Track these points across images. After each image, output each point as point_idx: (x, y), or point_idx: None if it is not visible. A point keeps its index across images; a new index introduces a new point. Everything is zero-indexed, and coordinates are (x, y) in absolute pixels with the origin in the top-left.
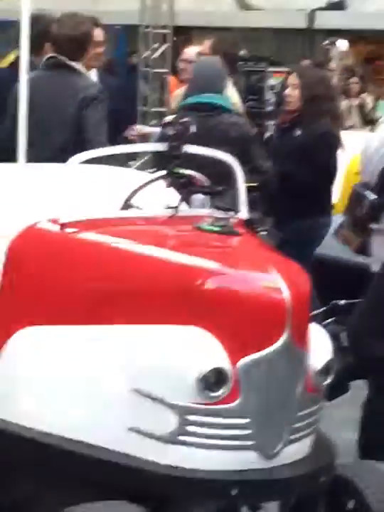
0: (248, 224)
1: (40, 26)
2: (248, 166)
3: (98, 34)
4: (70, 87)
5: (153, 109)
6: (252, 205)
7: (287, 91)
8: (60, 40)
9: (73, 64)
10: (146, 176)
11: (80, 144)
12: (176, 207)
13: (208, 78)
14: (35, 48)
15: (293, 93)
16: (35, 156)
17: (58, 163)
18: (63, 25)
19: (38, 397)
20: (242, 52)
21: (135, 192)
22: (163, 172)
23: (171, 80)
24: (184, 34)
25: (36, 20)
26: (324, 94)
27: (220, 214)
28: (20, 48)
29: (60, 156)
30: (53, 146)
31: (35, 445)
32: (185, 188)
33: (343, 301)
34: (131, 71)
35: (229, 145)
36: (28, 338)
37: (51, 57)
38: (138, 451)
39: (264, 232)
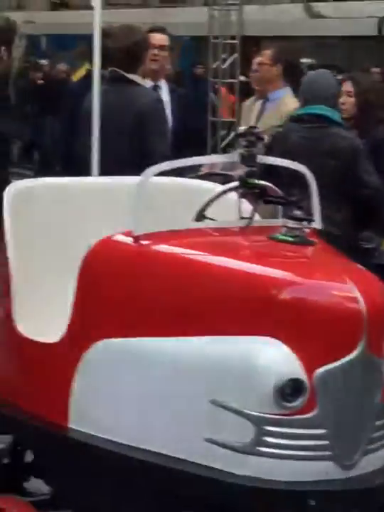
0: (360, 242)
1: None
2: (355, 180)
3: (161, 38)
4: (127, 100)
5: (223, 119)
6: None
7: (341, 99)
8: (114, 53)
9: (129, 76)
10: (219, 186)
11: (140, 156)
12: (250, 217)
13: (318, 90)
14: (105, 62)
15: (347, 100)
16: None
17: (130, 176)
18: (116, 37)
19: (116, 409)
20: (309, 61)
21: (208, 203)
22: (236, 183)
23: (222, 90)
24: (253, 44)
25: (105, 35)
26: (377, 101)
27: (294, 224)
28: (92, 62)
29: (120, 168)
30: (114, 158)
31: (113, 457)
32: (259, 198)
33: None
34: (196, 82)
35: (336, 158)
36: (105, 351)
37: (111, 70)
38: (216, 462)
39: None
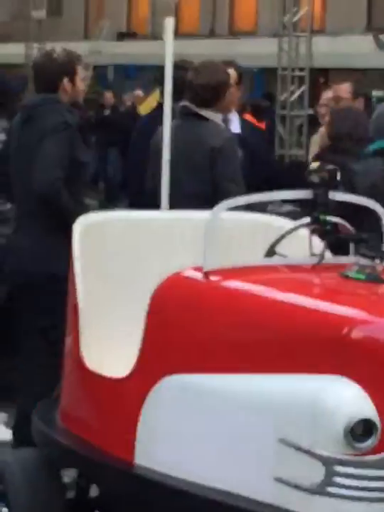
0: None
1: (181, 74)
2: None
3: (232, 74)
4: (199, 136)
5: (291, 152)
6: None
7: None
8: (195, 88)
9: (203, 112)
10: (291, 223)
11: (211, 192)
12: (321, 254)
13: None
14: (176, 96)
15: None
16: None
17: (200, 211)
18: (200, 73)
19: (182, 446)
20: (380, 93)
21: (280, 239)
22: (308, 219)
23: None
24: (321, 76)
25: (177, 68)
26: None
27: (365, 261)
28: (164, 94)
29: (191, 205)
30: (183, 194)
31: (179, 495)
32: (330, 235)
33: None
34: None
35: None
36: (173, 387)
37: (183, 106)
38: (284, 501)
39: None
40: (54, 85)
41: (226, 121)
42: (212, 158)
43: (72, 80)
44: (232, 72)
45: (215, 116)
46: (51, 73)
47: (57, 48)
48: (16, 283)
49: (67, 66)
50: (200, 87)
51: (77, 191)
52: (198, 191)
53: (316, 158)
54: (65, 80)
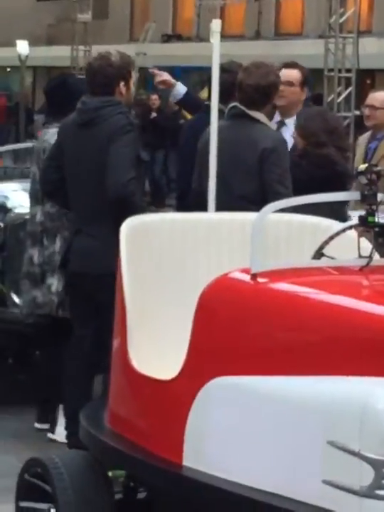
0: None
1: (229, 76)
2: None
3: (289, 74)
4: (250, 138)
5: None
6: None
7: None
8: (245, 90)
9: (254, 114)
10: (339, 224)
11: (260, 194)
12: (370, 256)
13: None
14: (224, 97)
15: None
16: (217, 204)
17: (247, 212)
18: (250, 74)
19: (231, 448)
20: None
21: (328, 241)
22: (356, 220)
23: None
24: (368, 77)
25: (224, 70)
26: None
27: None
28: (211, 95)
29: (239, 206)
30: (233, 196)
31: (227, 496)
32: (379, 237)
33: None
34: None
35: None
36: (221, 389)
37: (233, 106)
38: (333, 504)
39: None
40: (111, 88)
41: (281, 124)
42: (263, 159)
43: (127, 84)
44: (296, 73)
45: (266, 120)
46: (108, 76)
47: (113, 51)
48: (78, 284)
49: (124, 70)
50: (250, 88)
51: (139, 191)
52: (248, 193)
53: (299, 157)
54: (122, 84)
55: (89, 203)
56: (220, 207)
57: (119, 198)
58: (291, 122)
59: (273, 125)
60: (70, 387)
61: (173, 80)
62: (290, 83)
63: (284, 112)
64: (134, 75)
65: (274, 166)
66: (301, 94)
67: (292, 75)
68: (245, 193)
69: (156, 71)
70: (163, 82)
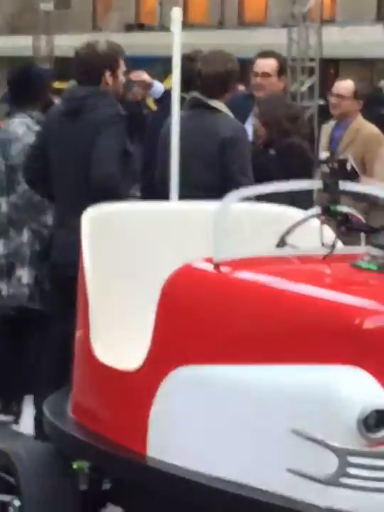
0: None
1: (191, 65)
2: None
3: (264, 64)
4: (209, 127)
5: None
6: None
7: None
8: (204, 78)
9: (213, 103)
10: (302, 213)
11: (221, 183)
12: (333, 245)
13: None
14: (186, 86)
15: None
16: (179, 194)
17: (210, 202)
18: (208, 63)
19: (195, 438)
20: None
21: (290, 230)
22: (319, 210)
23: None
24: (332, 66)
25: (188, 59)
26: None
27: (377, 252)
28: (172, 86)
29: (199, 196)
30: (193, 185)
31: (192, 486)
32: (342, 225)
33: None
34: None
35: None
36: (184, 379)
37: (193, 96)
38: (297, 493)
39: None
40: (96, 77)
41: None
42: (223, 149)
43: (114, 73)
44: (272, 62)
45: (223, 106)
46: (93, 65)
47: (101, 39)
48: (61, 277)
49: (110, 58)
50: (209, 77)
51: (127, 183)
52: (209, 182)
53: (265, 146)
54: (107, 73)
55: (74, 193)
56: (183, 197)
57: (104, 190)
58: None
59: (252, 117)
60: (45, 379)
61: (150, 80)
62: (267, 74)
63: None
64: (123, 64)
65: (234, 156)
66: (279, 84)
67: (268, 64)
68: (205, 182)
69: (134, 75)
70: (142, 82)
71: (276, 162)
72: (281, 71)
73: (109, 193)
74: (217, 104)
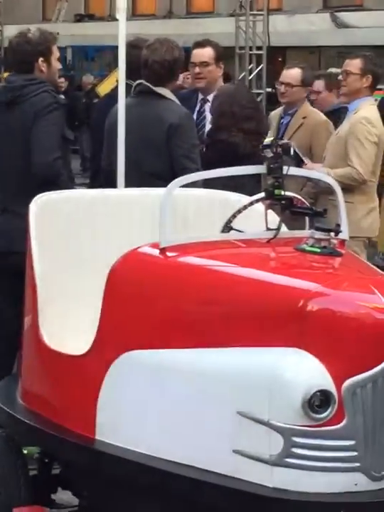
0: None
1: (138, 52)
2: None
3: (202, 54)
4: (156, 114)
5: None
6: None
7: None
8: (151, 66)
9: (159, 90)
10: (247, 198)
11: (169, 170)
12: (277, 229)
13: None
14: (135, 74)
15: None
16: (127, 182)
17: (155, 188)
18: (155, 50)
19: (143, 421)
20: (339, 71)
21: (235, 215)
22: (262, 194)
23: None
24: (279, 54)
25: (134, 46)
26: None
27: (320, 235)
28: (118, 74)
29: (150, 183)
30: (143, 174)
31: (140, 469)
32: (286, 209)
33: None
34: None
35: None
36: (131, 363)
37: (138, 83)
38: (244, 473)
39: None
40: (29, 65)
41: (204, 101)
42: (170, 135)
43: (47, 60)
44: (209, 51)
45: (169, 93)
46: (26, 53)
47: (33, 27)
48: (6, 263)
49: (42, 46)
50: (156, 64)
51: (66, 170)
52: (157, 170)
53: (208, 137)
54: (40, 60)
55: (16, 181)
56: (132, 185)
57: (44, 178)
58: (211, 98)
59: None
60: None
61: None
62: (205, 63)
63: (204, 91)
64: (56, 51)
65: (180, 141)
66: (217, 72)
67: (205, 54)
68: (155, 170)
69: None
70: None
71: (212, 156)
72: (219, 59)
73: (51, 179)
74: (164, 91)
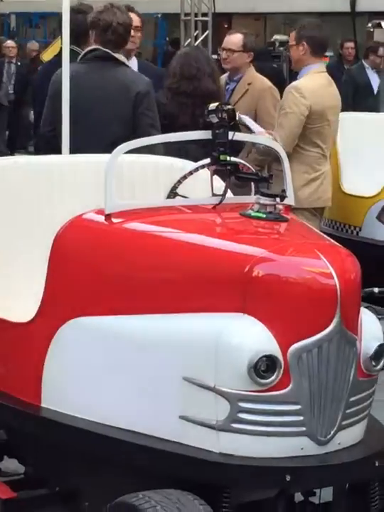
0: None
1: (83, 17)
2: None
3: (136, 19)
4: (120, 81)
5: None
6: None
7: None
8: (116, 30)
9: (118, 56)
10: (192, 164)
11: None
12: (222, 194)
13: None
14: (81, 40)
15: None
16: (84, 149)
17: (101, 154)
18: (115, 14)
19: (88, 388)
20: (285, 38)
21: (180, 180)
22: (208, 160)
23: None
24: (225, 20)
25: (79, 12)
26: None
27: (266, 200)
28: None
29: (111, 150)
30: (105, 140)
31: (86, 435)
32: (231, 175)
33: (377, 289)
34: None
35: None
36: (77, 330)
37: (94, 49)
38: (190, 439)
39: None
40: None
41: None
42: (136, 103)
43: None
44: (133, 16)
45: (125, 59)
46: None
47: None
48: None
49: None
50: (121, 28)
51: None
52: (121, 138)
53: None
54: None
55: None
56: (92, 152)
57: None
58: (134, 63)
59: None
60: None
61: None
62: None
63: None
64: None
65: (147, 110)
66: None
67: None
68: (118, 138)
69: None
70: None
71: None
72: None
73: None
74: (121, 57)
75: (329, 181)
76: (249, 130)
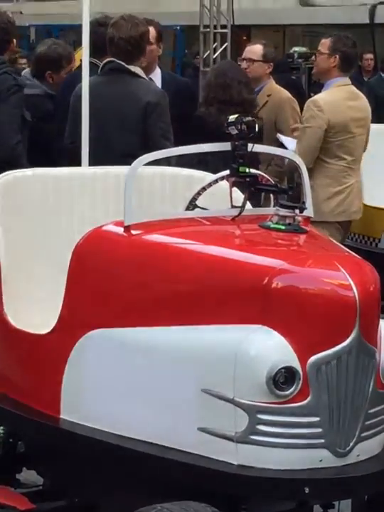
0: None
1: (105, 30)
2: None
3: (152, 32)
4: (131, 93)
5: None
6: None
7: None
8: (118, 43)
9: (132, 68)
10: (211, 175)
11: (147, 150)
12: (242, 206)
13: None
14: (99, 52)
15: None
16: (98, 161)
17: (122, 166)
18: (120, 27)
19: (107, 399)
20: (304, 50)
21: (200, 192)
22: (227, 171)
23: None
24: (244, 33)
25: (101, 24)
26: None
27: (285, 212)
28: (82, 52)
29: (124, 161)
30: (116, 152)
31: (105, 447)
32: (251, 187)
33: None
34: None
35: None
36: (96, 342)
37: (109, 61)
38: (209, 451)
39: None
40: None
41: (150, 80)
42: (147, 114)
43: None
44: (152, 30)
45: (141, 71)
46: None
47: None
48: None
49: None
50: (122, 41)
51: (24, 151)
52: (132, 150)
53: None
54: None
55: None
56: (103, 164)
57: (6, 161)
58: (154, 77)
59: None
60: None
61: None
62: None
63: (146, 69)
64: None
65: (158, 121)
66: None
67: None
68: (130, 150)
69: None
70: None
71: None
72: (160, 38)
73: (12, 162)
74: (136, 69)
75: (357, 195)
76: (283, 147)
